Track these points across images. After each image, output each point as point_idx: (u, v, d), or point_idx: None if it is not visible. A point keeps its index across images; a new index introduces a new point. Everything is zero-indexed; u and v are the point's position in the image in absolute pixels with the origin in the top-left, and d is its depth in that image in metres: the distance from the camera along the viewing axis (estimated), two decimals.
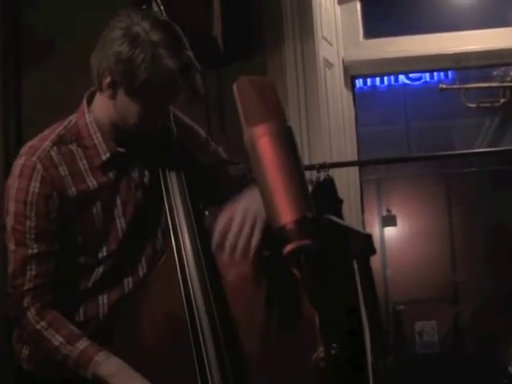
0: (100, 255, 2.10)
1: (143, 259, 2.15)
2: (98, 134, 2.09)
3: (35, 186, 2.03)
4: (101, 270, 2.11)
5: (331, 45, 3.69)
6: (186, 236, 2.05)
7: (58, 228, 2.06)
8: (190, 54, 2.03)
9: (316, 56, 3.35)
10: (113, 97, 2.04)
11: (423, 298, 7.86)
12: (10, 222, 2.07)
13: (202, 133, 2.36)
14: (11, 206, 2.06)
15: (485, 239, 7.93)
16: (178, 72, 1.98)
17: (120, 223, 2.11)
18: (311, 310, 1.90)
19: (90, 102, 2.13)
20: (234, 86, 1.41)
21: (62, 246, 2.07)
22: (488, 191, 7.84)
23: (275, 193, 1.31)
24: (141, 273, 2.15)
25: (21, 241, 2.05)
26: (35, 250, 2.04)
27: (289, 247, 1.30)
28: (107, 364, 1.96)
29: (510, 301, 7.40)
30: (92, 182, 2.08)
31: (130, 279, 2.14)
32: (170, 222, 2.08)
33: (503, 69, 5.68)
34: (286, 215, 1.29)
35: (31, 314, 2.03)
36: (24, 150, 2.09)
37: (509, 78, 5.75)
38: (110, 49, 1.99)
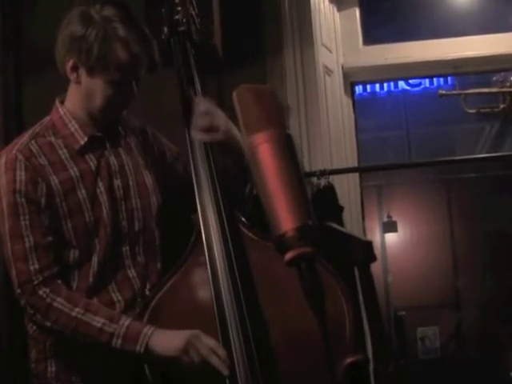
0: (92, 244, 2.08)
1: (140, 243, 2.15)
2: (74, 122, 2.13)
3: (21, 174, 2.04)
4: (95, 261, 2.08)
5: (331, 52, 3.70)
6: (217, 238, 2.02)
7: (49, 218, 2.04)
8: (143, 26, 2.09)
9: (316, 63, 3.35)
10: (78, 81, 2.09)
11: (425, 304, 7.85)
12: (3, 218, 2.04)
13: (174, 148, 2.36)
14: (3, 201, 2.04)
15: (486, 244, 7.92)
16: (133, 41, 2.03)
17: (106, 208, 2.10)
18: (340, 314, 1.89)
19: (62, 104, 2.18)
20: (234, 94, 1.42)
21: (55, 239, 2.05)
22: (488, 197, 7.84)
23: (275, 200, 1.31)
24: (139, 258, 2.14)
25: (15, 231, 2.02)
26: (32, 242, 2.01)
27: (289, 255, 1.30)
28: (157, 334, 1.94)
29: (511, 306, 7.39)
30: (73, 169, 2.09)
31: (133, 270, 2.13)
32: (202, 225, 2.04)
33: (503, 74, 5.69)
34: (287, 223, 1.29)
35: (60, 303, 1.99)
36: (2, 152, 2.11)
37: (508, 84, 5.76)
38: (65, 31, 2.07)
